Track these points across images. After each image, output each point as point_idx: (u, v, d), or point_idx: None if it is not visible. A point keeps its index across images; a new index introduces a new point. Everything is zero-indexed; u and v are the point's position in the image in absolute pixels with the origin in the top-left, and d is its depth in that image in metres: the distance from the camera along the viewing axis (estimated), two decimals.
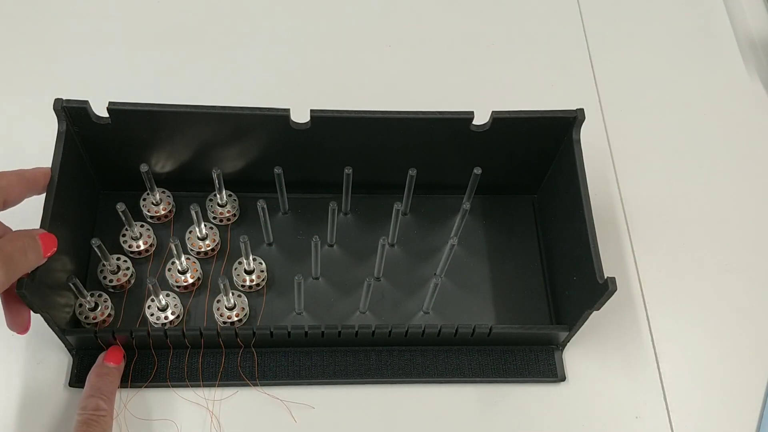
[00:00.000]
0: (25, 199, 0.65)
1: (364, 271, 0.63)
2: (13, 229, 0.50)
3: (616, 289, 0.52)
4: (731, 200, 0.72)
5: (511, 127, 0.60)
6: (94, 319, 0.58)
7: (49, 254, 0.50)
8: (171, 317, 0.59)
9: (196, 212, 0.58)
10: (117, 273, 0.61)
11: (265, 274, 0.62)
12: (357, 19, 0.80)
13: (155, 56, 0.75)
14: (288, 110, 0.58)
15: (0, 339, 0.59)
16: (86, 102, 0.56)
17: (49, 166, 0.54)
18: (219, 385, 0.58)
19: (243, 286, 0.62)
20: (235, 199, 0.65)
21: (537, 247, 0.66)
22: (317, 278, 0.63)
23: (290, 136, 0.59)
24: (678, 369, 0.62)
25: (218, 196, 0.64)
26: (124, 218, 0.59)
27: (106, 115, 0.57)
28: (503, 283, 0.64)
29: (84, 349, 0.58)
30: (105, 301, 0.59)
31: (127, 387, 0.57)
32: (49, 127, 0.56)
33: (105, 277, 0.61)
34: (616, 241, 0.68)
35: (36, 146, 0.64)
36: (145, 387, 0.57)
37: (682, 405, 0.61)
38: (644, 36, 0.82)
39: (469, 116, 0.59)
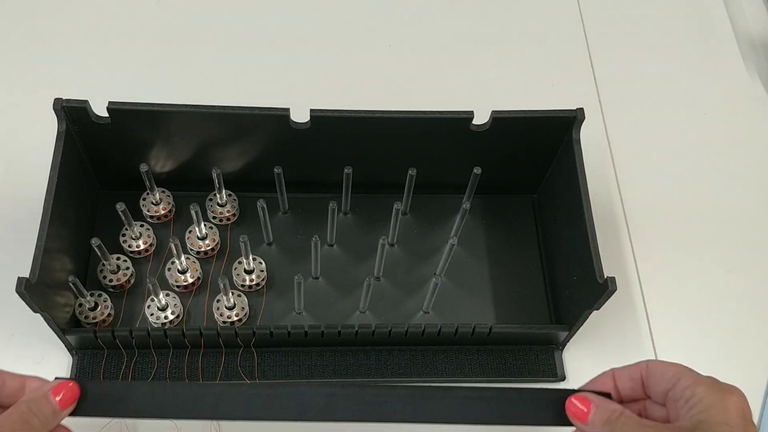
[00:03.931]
0: (24, 201, 0.65)
1: (364, 270, 0.63)
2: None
3: (616, 289, 0.52)
4: (731, 200, 0.72)
5: (511, 126, 0.60)
6: (93, 318, 0.58)
7: (69, 405, 0.46)
8: (171, 317, 0.60)
9: (196, 212, 0.58)
10: (117, 273, 0.61)
11: (265, 273, 0.62)
12: (357, 19, 0.80)
13: (155, 56, 0.75)
14: (288, 110, 0.58)
15: None
16: (86, 102, 0.56)
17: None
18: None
19: (243, 285, 0.62)
20: (235, 199, 0.65)
21: (537, 247, 0.66)
22: (317, 278, 0.63)
23: (290, 136, 0.59)
24: None
25: (218, 195, 0.64)
26: (123, 218, 0.59)
27: (106, 115, 0.57)
28: (503, 283, 0.64)
29: (84, 349, 0.58)
30: (105, 301, 0.59)
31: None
32: (49, 127, 0.56)
33: (105, 277, 0.61)
34: (616, 241, 0.68)
35: (36, 146, 0.64)
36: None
37: None
38: (644, 36, 0.82)
39: (469, 116, 0.59)
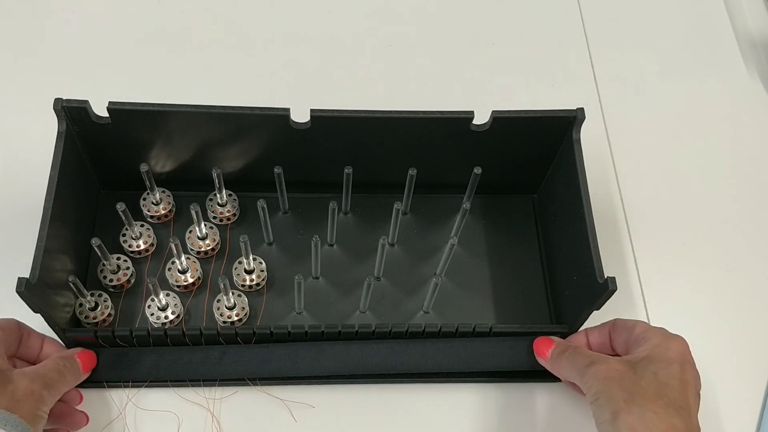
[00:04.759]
0: (24, 201, 0.65)
1: (364, 270, 0.63)
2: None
3: (616, 289, 0.52)
4: (731, 200, 0.72)
5: (511, 126, 0.60)
6: (94, 318, 0.58)
7: (89, 370, 0.56)
8: (171, 317, 0.60)
9: (196, 212, 0.58)
10: (117, 272, 0.61)
11: (265, 273, 0.62)
12: (357, 19, 0.80)
13: (155, 56, 0.75)
14: (288, 110, 0.58)
15: None
16: (86, 102, 0.56)
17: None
18: (219, 385, 0.58)
19: (243, 285, 0.62)
20: (235, 199, 0.65)
21: (537, 247, 0.66)
22: (317, 278, 0.63)
23: (290, 135, 0.59)
24: None
25: (218, 195, 0.64)
26: (124, 218, 0.59)
27: (106, 115, 0.57)
28: (503, 282, 0.64)
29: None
30: (105, 301, 0.59)
31: (128, 386, 0.57)
32: (49, 127, 0.56)
33: (105, 277, 0.61)
34: (616, 241, 0.68)
35: (36, 146, 0.64)
36: (146, 386, 0.57)
37: None
38: (644, 36, 0.82)
39: (469, 116, 0.59)
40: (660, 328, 0.55)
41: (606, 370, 0.51)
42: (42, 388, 0.50)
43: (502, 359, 0.59)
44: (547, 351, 0.56)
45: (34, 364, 0.54)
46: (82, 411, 0.55)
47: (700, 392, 0.52)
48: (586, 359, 0.53)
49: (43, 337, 0.55)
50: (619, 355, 0.55)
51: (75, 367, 0.54)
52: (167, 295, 0.60)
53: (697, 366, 0.53)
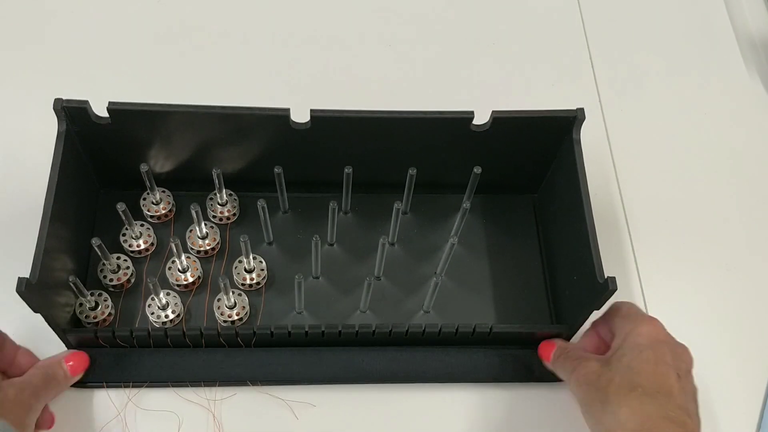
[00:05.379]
0: (24, 202, 0.65)
1: (365, 270, 0.63)
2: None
3: (616, 289, 0.52)
4: (731, 200, 0.72)
5: (511, 126, 0.60)
6: (94, 318, 0.58)
7: (79, 372, 0.55)
8: (171, 316, 0.60)
9: (197, 211, 0.58)
10: (117, 272, 0.61)
11: (266, 273, 0.62)
12: (357, 19, 0.80)
13: (155, 56, 0.75)
14: (288, 110, 0.58)
15: None
16: (86, 102, 0.56)
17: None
18: (219, 385, 0.58)
19: (243, 285, 0.62)
20: (235, 199, 0.65)
21: (537, 246, 0.66)
22: (317, 277, 0.63)
23: (290, 135, 0.59)
24: None
25: (218, 195, 0.64)
26: (124, 218, 0.59)
27: (106, 115, 0.57)
28: (503, 282, 0.64)
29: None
30: (105, 301, 0.59)
31: (129, 387, 0.57)
32: (49, 127, 0.56)
33: (105, 277, 0.61)
34: (616, 241, 0.68)
35: (36, 146, 0.64)
36: (146, 387, 0.57)
37: None
38: (644, 36, 0.82)
39: (469, 116, 0.59)
40: (633, 313, 0.55)
41: (583, 375, 0.52)
42: (30, 397, 0.50)
43: (503, 369, 0.59)
44: (549, 354, 0.57)
45: (5, 372, 0.53)
46: (50, 412, 0.55)
47: (698, 393, 0.52)
48: (570, 365, 0.54)
49: (17, 346, 0.55)
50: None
51: (61, 374, 0.54)
52: (167, 294, 0.60)
53: (696, 366, 0.53)
